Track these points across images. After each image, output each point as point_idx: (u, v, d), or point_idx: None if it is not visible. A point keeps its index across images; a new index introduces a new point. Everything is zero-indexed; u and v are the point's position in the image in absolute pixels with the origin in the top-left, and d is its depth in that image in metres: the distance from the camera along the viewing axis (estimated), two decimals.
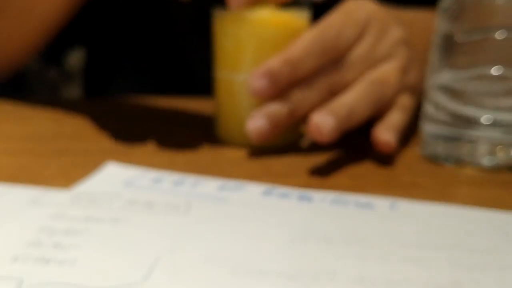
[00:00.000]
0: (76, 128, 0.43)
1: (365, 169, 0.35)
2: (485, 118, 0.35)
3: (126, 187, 0.30)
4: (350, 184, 0.32)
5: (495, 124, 0.35)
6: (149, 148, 0.38)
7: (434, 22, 0.47)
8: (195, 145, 0.39)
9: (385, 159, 0.36)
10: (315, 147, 0.38)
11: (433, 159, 0.37)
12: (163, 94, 0.58)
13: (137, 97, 0.57)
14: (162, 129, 0.43)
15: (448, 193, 0.32)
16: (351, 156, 0.37)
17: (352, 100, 0.35)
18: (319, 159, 0.36)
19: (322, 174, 0.34)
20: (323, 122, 0.34)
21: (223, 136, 0.41)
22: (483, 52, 0.35)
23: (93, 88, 0.65)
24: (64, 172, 0.33)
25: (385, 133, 0.35)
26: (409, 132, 0.40)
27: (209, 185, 0.31)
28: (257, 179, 0.33)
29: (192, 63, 0.60)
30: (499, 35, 0.34)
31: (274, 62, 0.36)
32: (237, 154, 0.37)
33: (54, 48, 0.62)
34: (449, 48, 0.36)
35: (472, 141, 0.36)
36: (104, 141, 0.40)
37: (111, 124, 0.44)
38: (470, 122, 0.36)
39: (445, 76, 0.37)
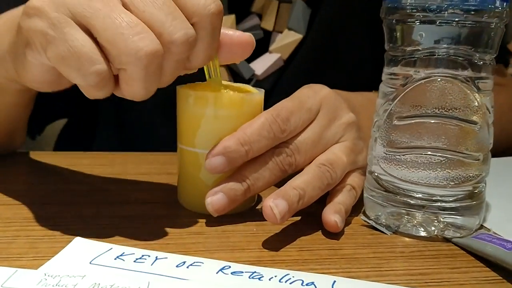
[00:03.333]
0: (45, 192, 0.44)
1: (312, 241, 0.37)
2: (419, 191, 0.39)
3: (91, 266, 0.32)
4: (298, 258, 0.35)
5: (428, 198, 0.38)
6: (114, 220, 0.40)
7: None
8: (158, 212, 0.41)
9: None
10: None
11: (374, 228, 0.40)
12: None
13: (105, 153, 0.58)
14: (128, 192, 0.45)
15: (385, 267, 0.34)
16: (300, 227, 0.39)
17: (303, 183, 0.38)
18: (272, 228, 0.39)
19: (273, 248, 0.36)
20: (276, 207, 0.36)
21: (183, 202, 0.43)
22: (418, 132, 0.38)
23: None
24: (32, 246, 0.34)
25: (333, 216, 0.38)
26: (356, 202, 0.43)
27: (168, 262, 0.33)
28: (215, 252, 0.35)
29: (157, 136, 0.62)
30: (431, 118, 0.38)
31: (229, 141, 0.38)
32: (197, 224, 0.39)
33: (37, 122, 0.63)
34: (388, 127, 0.39)
35: (408, 213, 0.39)
36: (72, 206, 0.41)
37: (82, 183, 0.46)
38: (406, 195, 0.39)
39: (383, 150, 0.40)
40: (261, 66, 0.62)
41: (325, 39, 0.63)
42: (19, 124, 0.55)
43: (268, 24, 0.62)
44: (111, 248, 0.34)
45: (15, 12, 0.43)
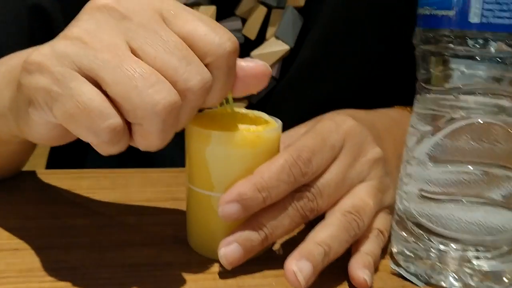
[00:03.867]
0: (42, 231, 0.41)
1: None
2: (454, 237, 0.35)
3: None
4: None
5: (464, 246, 0.35)
6: (117, 272, 0.36)
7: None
8: (166, 259, 0.38)
9: None
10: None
11: (403, 277, 0.36)
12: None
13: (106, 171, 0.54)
14: (133, 230, 0.41)
15: None
16: (324, 278, 0.35)
17: (328, 238, 0.34)
18: None
19: None
20: (301, 271, 0.32)
21: (193, 246, 0.39)
22: (456, 179, 0.34)
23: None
24: None
25: (362, 272, 0.34)
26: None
27: None
28: None
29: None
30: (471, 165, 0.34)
31: (244, 187, 0.34)
32: (210, 277, 0.36)
33: None
34: (422, 168, 0.35)
35: (440, 260, 0.35)
36: (73, 252, 0.37)
37: (82, 216, 0.42)
38: (439, 240, 0.35)
39: (416, 190, 0.36)
40: None
41: (318, 55, 0.58)
42: (24, 161, 0.51)
43: (250, 31, 0.57)
44: None
45: (14, 62, 0.38)
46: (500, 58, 0.32)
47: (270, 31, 0.58)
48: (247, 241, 0.35)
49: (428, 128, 0.35)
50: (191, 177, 0.38)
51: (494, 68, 0.32)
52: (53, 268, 0.36)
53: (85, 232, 0.41)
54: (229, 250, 0.35)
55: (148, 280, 0.35)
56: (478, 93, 0.33)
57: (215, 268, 0.37)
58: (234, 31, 0.59)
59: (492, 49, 0.32)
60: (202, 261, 0.37)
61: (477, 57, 0.32)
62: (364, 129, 0.39)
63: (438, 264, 0.36)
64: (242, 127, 0.36)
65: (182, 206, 0.46)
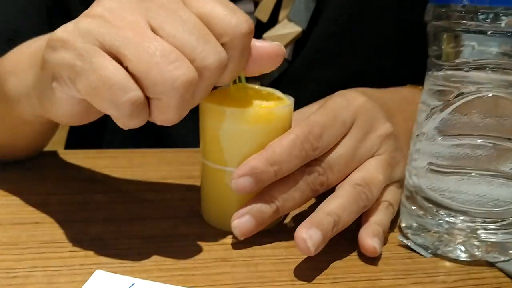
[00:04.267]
0: (61, 206, 0.42)
1: (347, 269, 0.35)
2: (462, 210, 0.35)
3: None
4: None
5: (471, 218, 0.35)
6: (135, 243, 0.37)
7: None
8: (181, 231, 0.39)
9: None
10: None
11: (411, 249, 0.37)
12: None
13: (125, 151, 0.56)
14: (149, 205, 0.43)
15: None
16: (333, 249, 0.36)
17: (338, 208, 0.35)
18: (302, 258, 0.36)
19: (305, 278, 0.33)
20: (310, 238, 0.33)
21: (207, 219, 0.40)
22: (465, 152, 0.35)
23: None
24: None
25: (371, 240, 0.35)
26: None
27: None
28: (243, 285, 0.33)
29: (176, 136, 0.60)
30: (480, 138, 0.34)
31: (257, 161, 0.35)
32: (223, 248, 0.37)
33: None
34: (432, 142, 0.36)
35: (448, 232, 0.36)
36: (91, 225, 0.39)
37: (101, 193, 0.44)
38: (447, 213, 0.36)
39: (425, 164, 0.36)
40: None
41: (331, 37, 0.59)
42: (46, 142, 0.53)
43: (262, 14, 0.58)
44: (134, 284, 0.32)
45: (38, 44, 0.40)
46: (511, 32, 0.32)
47: (283, 13, 0.59)
48: (259, 213, 0.36)
49: (438, 103, 0.35)
50: (205, 153, 0.39)
51: (504, 43, 0.33)
52: (72, 240, 0.37)
53: (104, 207, 0.42)
54: (242, 221, 0.36)
55: (165, 250, 0.36)
56: (489, 68, 0.33)
57: (228, 239, 0.38)
58: (246, 13, 0.60)
59: (503, 24, 0.32)
60: (216, 233, 0.38)
61: (488, 32, 0.33)
62: (375, 105, 0.39)
63: (446, 236, 0.36)
64: (255, 103, 0.37)
65: (196, 183, 0.47)
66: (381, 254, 0.36)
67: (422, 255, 0.36)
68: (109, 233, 0.38)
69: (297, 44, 0.59)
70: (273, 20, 0.59)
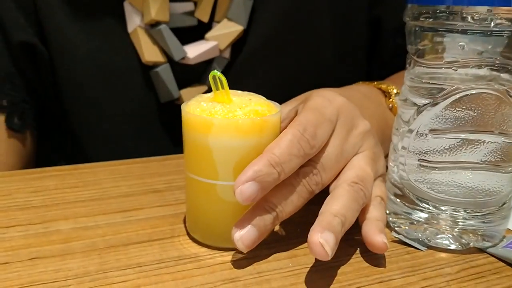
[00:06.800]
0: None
1: (357, 273, 0.34)
2: (451, 202, 0.36)
3: None
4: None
5: (459, 209, 0.36)
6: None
7: (385, 115, 0.48)
8: (174, 255, 0.36)
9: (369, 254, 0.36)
10: (296, 235, 0.37)
11: (405, 243, 0.38)
12: None
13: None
14: (125, 234, 0.39)
15: None
16: (335, 261, 0.35)
17: (343, 208, 0.34)
18: (306, 260, 0.35)
19: None
20: (327, 243, 0.32)
21: (198, 236, 0.38)
22: (455, 148, 0.35)
23: None
24: None
25: (379, 237, 0.35)
26: None
27: None
28: None
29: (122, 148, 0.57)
30: (470, 134, 0.35)
31: (259, 165, 0.33)
32: (227, 267, 0.34)
33: None
34: (421, 139, 0.36)
35: (437, 224, 0.37)
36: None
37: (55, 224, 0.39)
38: (435, 205, 0.37)
39: (415, 161, 0.37)
40: (194, 50, 0.56)
41: (270, 34, 0.59)
42: None
43: (202, 14, 0.57)
44: None
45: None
46: (496, 31, 0.33)
47: (219, 13, 0.57)
48: (261, 221, 0.34)
49: (426, 101, 0.36)
50: (192, 166, 0.36)
51: (489, 42, 0.33)
52: (54, 280, 0.33)
53: (76, 237, 0.38)
54: (244, 233, 0.34)
55: (163, 278, 0.33)
56: (474, 65, 0.34)
57: (227, 257, 0.35)
58: (186, 13, 0.57)
59: (489, 23, 0.33)
60: (211, 252, 0.36)
61: (473, 31, 0.33)
62: (352, 104, 0.39)
63: (435, 227, 0.37)
64: (244, 111, 0.35)
65: (165, 197, 0.44)
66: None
67: (418, 249, 0.37)
68: (93, 266, 0.34)
69: (236, 43, 0.58)
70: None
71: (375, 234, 0.35)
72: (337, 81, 0.60)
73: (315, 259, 0.35)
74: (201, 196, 0.36)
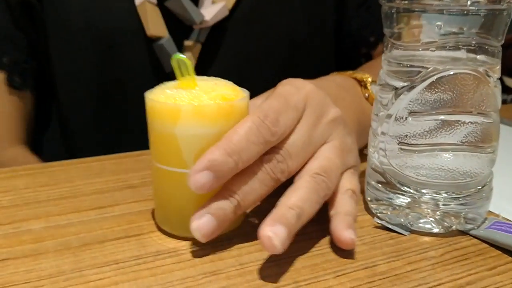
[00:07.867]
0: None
1: (342, 261, 0.33)
2: (432, 185, 0.36)
3: None
4: (339, 285, 0.31)
5: (440, 191, 0.36)
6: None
7: (362, 105, 0.48)
8: (152, 251, 0.34)
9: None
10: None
11: (388, 229, 0.37)
12: None
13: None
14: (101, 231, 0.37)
15: (430, 281, 0.31)
16: (319, 248, 0.35)
17: (299, 200, 0.33)
18: (288, 250, 0.34)
19: (309, 279, 0.31)
20: (276, 236, 0.31)
21: (170, 228, 0.36)
22: (435, 129, 0.35)
23: None
24: None
25: (347, 233, 0.34)
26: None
27: None
28: None
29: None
30: (449, 115, 0.35)
31: (214, 153, 0.32)
32: (208, 261, 0.33)
33: None
34: (401, 122, 0.36)
35: (419, 208, 0.36)
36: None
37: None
38: (417, 189, 0.36)
39: (395, 145, 0.36)
40: (208, 12, 0.59)
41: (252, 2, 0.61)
42: None
43: None
44: None
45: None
46: (472, 11, 0.33)
47: None
48: (219, 210, 0.33)
49: (403, 84, 0.35)
50: (159, 156, 0.35)
51: (464, 21, 0.33)
52: (26, 281, 0.31)
53: (49, 235, 0.36)
54: (202, 222, 0.32)
55: (142, 274, 0.32)
56: (451, 46, 0.34)
57: (208, 251, 0.34)
58: None
59: (466, 2, 0.32)
60: (191, 246, 0.35)
61: (450, 11, 0.33)
62: (322, 91, 0.38)
63: (417, 211, 0.37)
64: (210, 96, 0.34)
65: (141, 193, 0.43)
66: (362, 236, 0.36)
67: (402, 234, 0.37)
68: (68, 265, 0.32)
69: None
70: None
71: (343, 230, 0.34)
72: (309, 56, 0.62)
73: (299, 248, 0.34)
74: (170, 186, 0.35)
